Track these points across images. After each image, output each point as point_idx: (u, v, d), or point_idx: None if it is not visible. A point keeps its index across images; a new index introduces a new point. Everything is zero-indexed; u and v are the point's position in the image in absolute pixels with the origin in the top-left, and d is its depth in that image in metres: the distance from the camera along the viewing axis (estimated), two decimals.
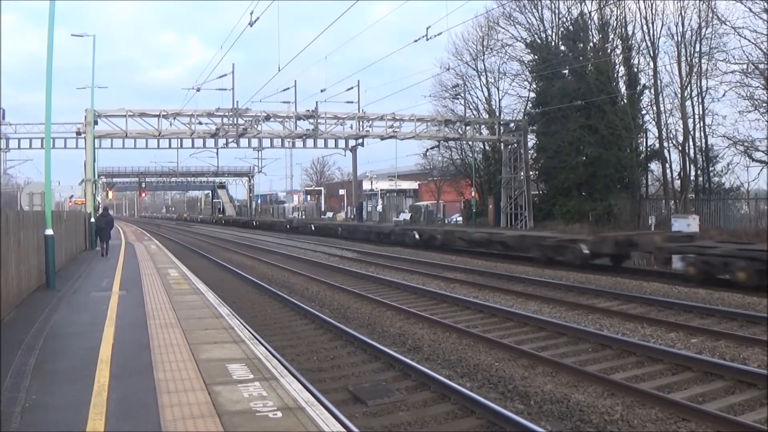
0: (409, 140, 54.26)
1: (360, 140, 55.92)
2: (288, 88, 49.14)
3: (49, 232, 18.07)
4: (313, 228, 63.86)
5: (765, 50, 37.60)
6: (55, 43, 18.29)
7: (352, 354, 13.00)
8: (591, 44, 51.01)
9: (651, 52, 46.03)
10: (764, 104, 38.45)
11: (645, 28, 46.10)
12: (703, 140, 44.49)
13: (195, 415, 6.77)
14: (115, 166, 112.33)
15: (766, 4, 36.64)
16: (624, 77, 49.25)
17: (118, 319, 12.63)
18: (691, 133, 44.46)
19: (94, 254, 31.46)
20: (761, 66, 38.10)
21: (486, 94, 60.57)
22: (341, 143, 57.45)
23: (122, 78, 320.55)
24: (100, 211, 36.05)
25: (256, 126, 48.24)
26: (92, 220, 36.01)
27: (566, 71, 50.33)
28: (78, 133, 50.24)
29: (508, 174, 54.42)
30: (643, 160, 48.69)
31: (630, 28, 48.24)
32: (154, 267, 24.01)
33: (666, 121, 46.35)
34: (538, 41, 53.67)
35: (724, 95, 41.85)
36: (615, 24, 49.10)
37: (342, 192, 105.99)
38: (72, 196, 62.71)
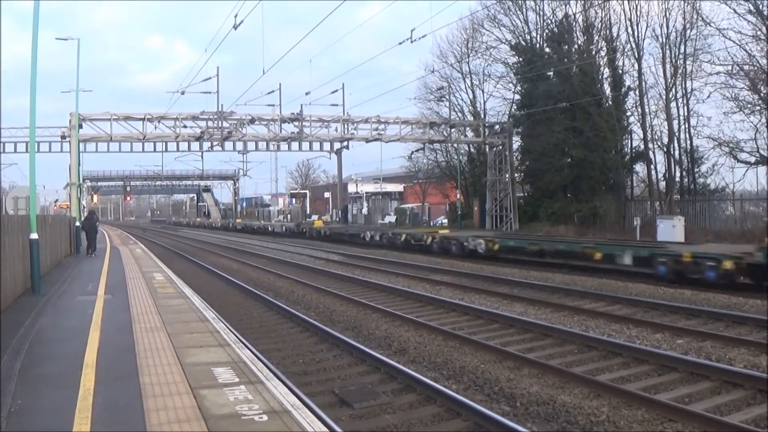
0: (394, 143, 54.28)
1: (345, 143, 55.84)
2: (273, 91, 49.13)
3: (34, 236, 17.99)
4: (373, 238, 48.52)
5: (750, 51, 37.86)
6: (40, 47, 18.26)
7: (338, 357, 12.99)
8: (576, 46, 51.18)
9: (636, 54, 46.32)
10: (749, 105, 38.67)
11: (629, 29, 46.41)
12: (688, 141, 44.79)
13: (181, 419, 6.75)
14: (100, 169, 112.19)
15: (751, 5, 36.90)
16: (609, 79, 49.42)
17: (103, 323, 12.56)
18: (676, 134, 44.69)
19: (79, 257, 31.34)
20: (746, 67, 38.34)
21: (471, 96, 60.71)
22: (326, 146, 57.54)
23: (109, 82, 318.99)
24: (86, 214, 36.27)
25: (240, 129, 48.13)
26: (78, 224, 36.03)
27: (551, 73, 50.49)
28: (63, 137, 50.09)
29: (493, 176, 54.48)
30: (628, 162, 48.91)
31: (615, 30, 48.60)
32: (139, 271, 23.91)
33: (651, 122, 46.67)
34: (523, 43, 53.78)
35: (709, 96, 42.24)
36: (599, 26, 49.39)
37: (327, 195, 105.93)
38: (57, 200, 62.55)
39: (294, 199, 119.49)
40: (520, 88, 54.98)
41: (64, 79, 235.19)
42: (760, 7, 36.76)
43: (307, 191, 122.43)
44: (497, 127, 54.79)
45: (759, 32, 37.03)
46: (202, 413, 6.95)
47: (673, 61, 43.97)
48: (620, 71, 48.63)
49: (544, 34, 53.11)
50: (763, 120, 38.42)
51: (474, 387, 10.87)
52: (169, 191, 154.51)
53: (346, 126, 49.94)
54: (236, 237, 67.83)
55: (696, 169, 44.98)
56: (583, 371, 11.29)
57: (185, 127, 46.92)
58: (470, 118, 59.28)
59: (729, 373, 10.74)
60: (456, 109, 60.05)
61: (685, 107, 44.43)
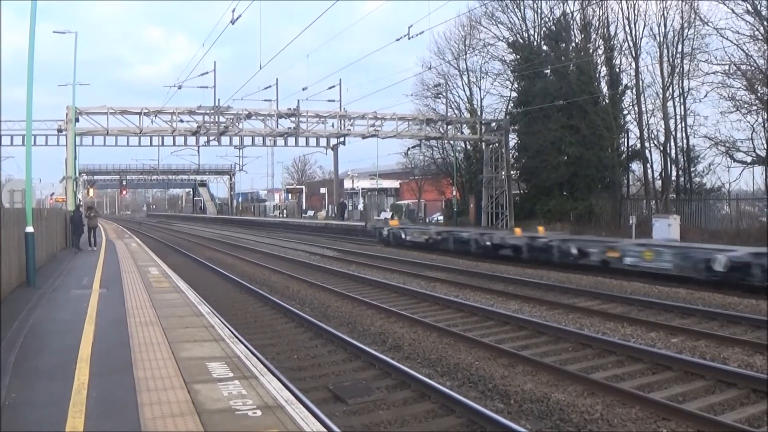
0: (391, 139, 54.32)
1: (341, 139, 55.78)
2: (270, 86, 49.12)
3: (30, 229, 17.98)
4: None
5: (747, 51, 37.87)
6: (38, 39, 18.23)
7: (332, 353, 12.99)
8: (573, 44, 51.16)
9: (633, 53, 46.25)
10: (746, 105, 38.67)
11: (627, 28, 46.36)
12: (685, 140, 44.73)
13: (174, 414, 6.74)
14: (96, 163, 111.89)
15: (748, 5, 36.91)
16: (606, 77, 49.39)
17: (98, 317, 12.55)
18: (673, 133, 44.68)
19: (75, 251, 31.20)
20: (743, 67, 38.33)
21: (468, 93, 60.65)
22: (323, 142, 57.42)
23: (109, 75, 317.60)
24: (83, 209, 36.26)
25: (237, 124, 48.17)
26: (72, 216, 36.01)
27: (548, 71, 50.42)
28: (59, 131, 50.07)
29: (489, 173, 54.53)
30: (625, 160, 48.90)
31: (612, 29, 48.49)
32: (134, 265, 23.88)
33: (647, 121, 46.62)
34: (520, 41, 53.77)
35: (705, 96, 42.13)
36: (597, 24, 49.30)
37: (323, 190, 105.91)
38: (53, 193, 62.45)
39: (290, 195, 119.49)
40: (517, 86, 54.94)
41: (63, 71, 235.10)
42: (758, 7, 36.78)
43: (303, 187, 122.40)
44: (494, 124, 54.88)
45: (756, 32, 37.03)
46: (196, 408, 6.94)
47: (671, 60, 43.97)
48: (617, 70, 48.60)
49: (542, 32, 53.12)
50: (760, 120, 38.48)
51: (468, 384, 10.87)
52: (165, 186, 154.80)
53: (342, 122, 49.99)
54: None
55: (692, 169, 44.97)
56: (577, 369, 11.30)
57: (182, 121, 47.02)
58: (467, 115, 59.28)
59: (723, 373, 10.75)
60: (453, 106, 60.08)
61: (682, 106, 44.45)
